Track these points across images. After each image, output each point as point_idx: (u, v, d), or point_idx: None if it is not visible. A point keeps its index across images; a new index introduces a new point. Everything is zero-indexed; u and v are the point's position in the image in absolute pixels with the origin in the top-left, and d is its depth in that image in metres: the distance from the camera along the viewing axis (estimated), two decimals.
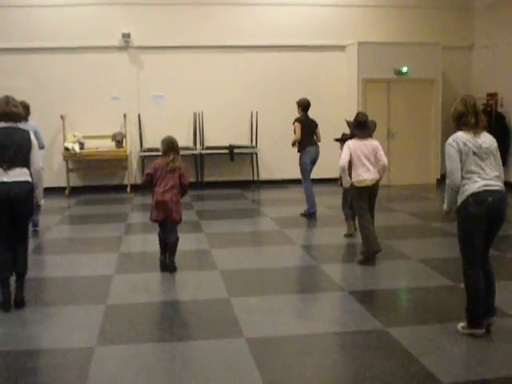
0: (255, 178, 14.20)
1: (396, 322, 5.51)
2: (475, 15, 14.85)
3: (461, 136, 4.91)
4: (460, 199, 4.91)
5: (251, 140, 14.15)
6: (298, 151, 10.30)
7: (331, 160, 12.23)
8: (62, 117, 13.23)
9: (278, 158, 14.02)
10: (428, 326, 5.36)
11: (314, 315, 5.96)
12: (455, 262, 7.16)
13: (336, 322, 5.57)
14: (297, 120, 10.23)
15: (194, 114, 13.81)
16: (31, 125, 8.57)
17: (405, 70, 13.90)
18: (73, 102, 13.46)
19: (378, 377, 4.39)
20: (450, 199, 5.05)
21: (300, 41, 14.13)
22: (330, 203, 11.49)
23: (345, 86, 14.36)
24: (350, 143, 7.50)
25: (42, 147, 8.34)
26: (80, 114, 13.51)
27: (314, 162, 10.37)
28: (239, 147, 13.92)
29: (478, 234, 4.86)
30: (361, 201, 7.50)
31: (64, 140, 13.23)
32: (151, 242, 8.11)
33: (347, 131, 8.09)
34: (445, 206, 5.16)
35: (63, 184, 13.42)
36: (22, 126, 6.08)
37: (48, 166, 13.01)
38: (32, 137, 5.93)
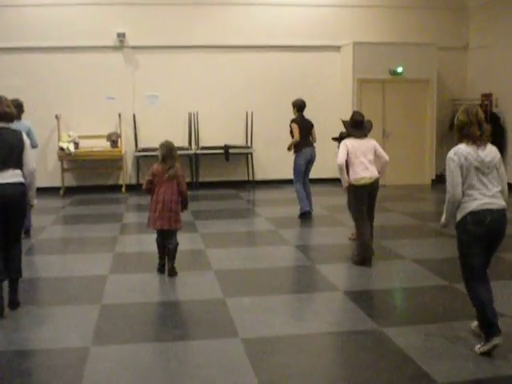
0: (250, 179, 14.21)
1: (391, 322, 5.52)
2: (470, 16, 14.88)
3: (462, 149, 4.72)
4: (459, 216, 4.78)
5: (246, 140, 14.15)
6: (294, 152, 10.27)
7: (328, 160, 12.29)
8: (56, 116, 13.20)
9: (273, 159, 14.02)
10: (423, 326, 5.37)
11: (308, 315, 5.96)
12: (450, 263, 7.20)
13: (331, 322, 5.58)
14: (293, 121, 10.20)
15: (189, 114, 13.80)
16: (24, 124, 8.52)
17: (400, 70, 13.91)
18: (68, 101, 13.43)
19: (372, 377, 4.40)
20: (449, 213, 4.88)
21: (295, 41, 14.13)
22: (325, 203, 11.51)
23: (340, 86, 14.36)
24: (347, 142, 7.42)
25: (34, 146, 8.26)
26: (75, 114, 13.48)
27: (310, 162, 10.33)
28: (234, 147, 13.92)
29: (476, 249, 4.73)
30: (360, 203, 7.40)
31: (59, 140, 13.20)
32: (146, 242, 8.11)
33: (344, 130, 8.06)
34: (443, 219, 4.99)
35: (58, 184, 13.39)
36: (15, 124, 6.04)
37: (42, 166, 13.01)
38: (24, 137, 5.88)
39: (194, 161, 13.89)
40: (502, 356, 4.62)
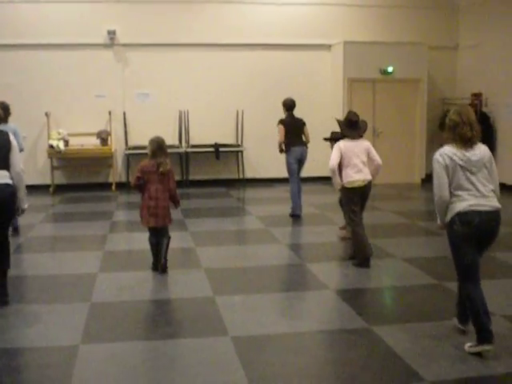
0: (241, 177, 14.21)
1: (381, 320, 5.52)
2: (460, 15, 14.93)
3: (447, 150, 4.72)
4: (448, 216, 4.77)
5: (237, 138, 14.14)
6: (285, 151, 10.23)
7: (320, 159, 12.28)
8: (46, 114, 13.15)
9: (264, 157, 14.02)
10: (412, 324, 5.38)
11: (299, 314, 5.96)
12: (440, 261, 7.24)
13: (321, 321, 5.58)
14: (280, 122, 10.18)
15: (180, 112, 13.78)
16: (10, 126, 8.42)
17: (390, 69, 13.94)
18: (58, 99, 13.38)
19: (362, 375, 4.41)
20: (441, 215, 4.86)
21: (286, 40, 14.13)
22: (316, 202, 11.52)
23: (330, 85, 14.38)
24: (340, 144, 7.32)
25: (20, 150, 8.20)
26: (65, 112, 13.43)
27: (301, 162, 10.27)
28: (225, 146, 13.92)
29: (467, 250, 4.71)
30: (352, 204, 7.35)
31: (48, 137, 13.14)
32: (136, 240, 8.09)
33: (336, 129, 8.02)
34: (438, 221, 4.97)
35: (47, 182, 13.35)
36: (1, 127, 5.98)
37: (32, 164, 12.98)
38: (11, 138, 5.83)
39: (185, 159, 13.87)
40: (491, 355, 4.63)
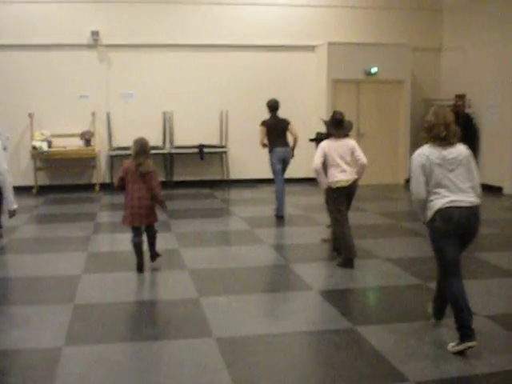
0: (225, 178, 14.20)
1: (365, 320, 5.54)
2: (444, 17, 15.01)
3: (424, 150, 4.87)
4: (429, 214, 4.85)
5: (221, 139, 14.13)
6: (269, 152, 10.24)
7: (304, 160, 12.27)
8: (29, 115, 13.07)
9: (248, 158, 14.01)
10: (396, 324, 5.40)
11: (283, 314, 5.96)
12: (424, 262, 7.27)
13: (305, 322, 5.59)
14: (262, 123, 10.21)
15: (164, 113, 13.75)
16: None
17: (374, 70, 13.99)
18: (41, 100, 13.31)
19: (346, 375, 4.42)
20: (420, 213, 4.99)
21: (270, 41, 14.15)
22: (300, 203, 11.54)
23: (315, 86, 14.40)
24: (323, 144, 7.34)
25: (4, 148, 8.14)
26: (48, 112, 13.36)
27: (284, 162, 10.27)
28: (209, 146, 13.90)
29: (448, 247, 4.77)
30: (338, 204, 7.34)
31: (32, 138, 13.06)
32: (120, 242, 8.05)
33: (321, 130, 8.02)
34: (421, 219, 5.07)
35: (31, 183, 13.27)
36: None
37: (15, 165, 12.88)
38: None
39: (169, 160, 13.85)
40: (475, 355, 4.65)
